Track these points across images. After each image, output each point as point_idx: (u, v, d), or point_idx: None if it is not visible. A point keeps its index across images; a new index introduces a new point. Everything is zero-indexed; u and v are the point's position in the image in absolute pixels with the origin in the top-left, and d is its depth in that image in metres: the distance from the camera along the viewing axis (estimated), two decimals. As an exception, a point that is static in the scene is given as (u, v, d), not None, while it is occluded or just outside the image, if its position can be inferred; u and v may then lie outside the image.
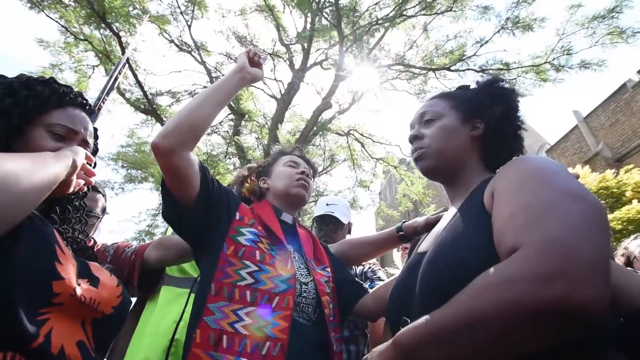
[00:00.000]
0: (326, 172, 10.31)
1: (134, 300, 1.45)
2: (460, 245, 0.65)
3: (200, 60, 9.38)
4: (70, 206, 0.85)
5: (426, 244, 0.85)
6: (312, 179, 1.34)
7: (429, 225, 1.11)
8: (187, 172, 0.94)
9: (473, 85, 0.97)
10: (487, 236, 0.59)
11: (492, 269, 0.49)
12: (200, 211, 0.98)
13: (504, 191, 0.62)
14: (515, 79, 8.48)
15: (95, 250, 1.11)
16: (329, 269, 1.17)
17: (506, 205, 0.59)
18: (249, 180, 1.35)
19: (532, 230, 0.49)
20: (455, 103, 0.92)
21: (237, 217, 1.06)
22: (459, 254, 0.63)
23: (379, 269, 1.75)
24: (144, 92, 8.27)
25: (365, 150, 9.91)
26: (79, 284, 0.70)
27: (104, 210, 1.46)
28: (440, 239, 0.72)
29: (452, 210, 0.83)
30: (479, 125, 0.87)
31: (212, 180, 1.03)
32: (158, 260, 1.28)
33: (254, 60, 1.15)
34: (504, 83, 0.90)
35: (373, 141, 9.80)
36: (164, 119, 8.53)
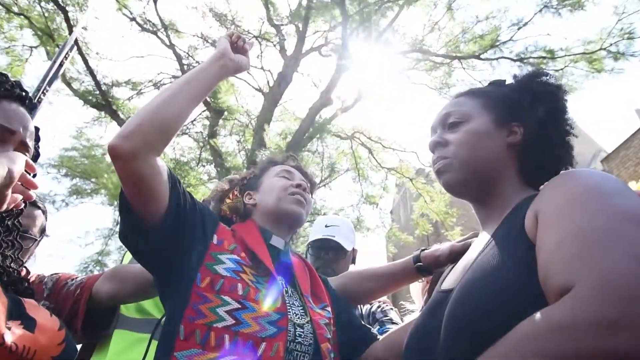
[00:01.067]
0: (325, 185, 10.32)
1: (79, 347, 1.43)
2: (496, 282, 0.64)
3: (168, 43, 9.47)
4: (1, 227, 0.85)
5: (451, 279, 0.85)
6: (310, 195, 1.33)
7: (455, 255, 1.11)
8: (153, 182, 0.94)
9: (509, 80, 0.98)
10: (529, 271, 0.59)
11: (538, 314, 0.49)
12: (168, 232, 0.97)
13: (550, 214, 0.63)
14: (562, 69, 8.60)
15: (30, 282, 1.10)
16: (329, 309, 1.16)
17: (553, 232, 0.59)
18: (230, 196, 1.35)
19: (586, 265, 0.49)
20: (487, 102, 0.93)
21: (215, 240, 1.06)
22: (495, 293, 0.63)
23: (391, 309, 1.74)
24: (97, 82, 8.31)
25: (374, 157, 9.96)
26: (9, 328, 0.69)
27: (43, 231, 1.45)
28: (469, 274, 0.72)
29: (484, 237, 0.84)
30: (517, 130, 0.88)
31: (185, 193, 1.03)
32: (111, 295, 1.26)
33: (238, 46, 1.17)
34: (548, 77, 0.91)
35: (383, 146, 9.85)
36: (121, 115, 8.56)
